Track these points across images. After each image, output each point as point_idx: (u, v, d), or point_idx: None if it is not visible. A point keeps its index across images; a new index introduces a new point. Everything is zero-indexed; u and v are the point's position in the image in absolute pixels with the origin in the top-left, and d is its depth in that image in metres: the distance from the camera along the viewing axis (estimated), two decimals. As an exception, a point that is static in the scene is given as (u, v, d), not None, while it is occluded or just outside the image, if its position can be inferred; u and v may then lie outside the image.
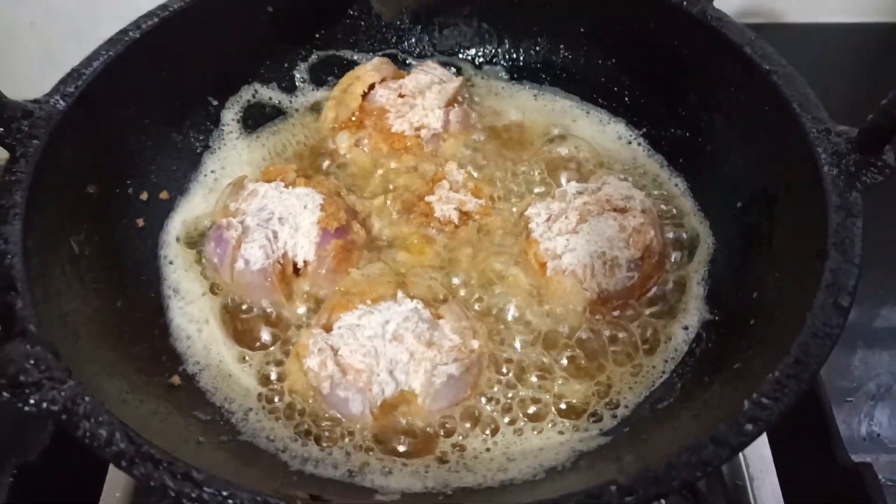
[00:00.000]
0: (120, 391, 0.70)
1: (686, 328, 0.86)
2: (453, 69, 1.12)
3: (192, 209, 0.95)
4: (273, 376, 0.82)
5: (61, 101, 0.83)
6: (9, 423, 0.92)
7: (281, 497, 0.58)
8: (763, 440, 1.01)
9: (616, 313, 0.87)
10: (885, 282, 1.19)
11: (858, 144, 0.79)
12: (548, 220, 0.89)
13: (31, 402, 0.61)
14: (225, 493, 0.57)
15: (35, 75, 0.94)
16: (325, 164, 1.01)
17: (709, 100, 0.96)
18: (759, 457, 1.00)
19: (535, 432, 0.79)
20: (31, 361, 0.63)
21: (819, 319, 0.67)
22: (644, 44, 1.01)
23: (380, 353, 0.78)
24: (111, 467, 0.90)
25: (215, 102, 1.02)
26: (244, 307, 0.87)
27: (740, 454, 1.01)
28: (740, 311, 0.81)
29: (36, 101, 0.83)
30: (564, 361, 0.84)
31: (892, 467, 1.04)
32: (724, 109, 0.94)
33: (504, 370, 0.83)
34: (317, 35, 1.09)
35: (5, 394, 0.61)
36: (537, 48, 1.11)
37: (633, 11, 0.99)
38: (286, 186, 0.91)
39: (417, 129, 1.00)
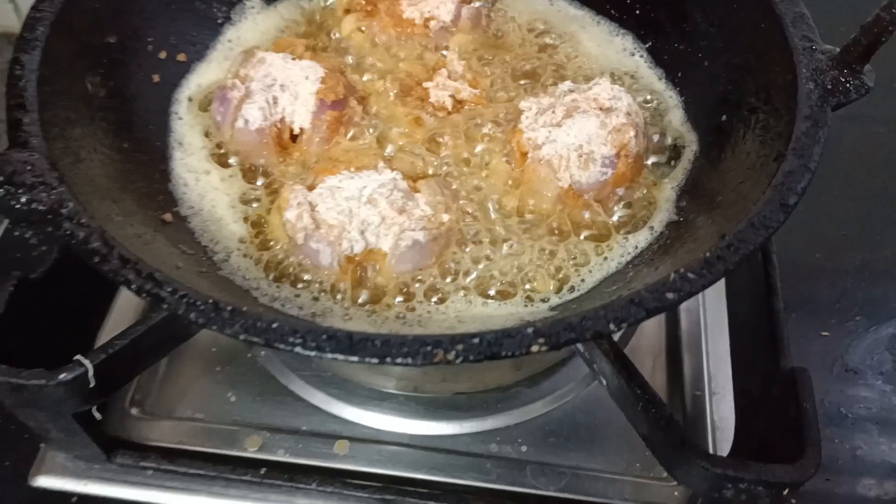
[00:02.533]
0: (110, 212, 0.76)
1: (651, 227, 0.89)
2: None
3: (207, 74, 1.01)
4: (257, 226, 0.89)
5: (92, -48, 0.90)
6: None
7: (231, 303, 0.64)
8: (726, 361, 1.06)
9: (586, 207, 0.90)
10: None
11: (839, 63, 0.81)
12: (537, 113, 0.93)
13: (22, 200, 0.69)
14: (183, 293, 0.64)
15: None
16: (334, 43, 1.05)
17: (711, 16, 0.97)
18: (723, 375, 1.05)
19: (483, 304, 0.84)
20: (28, 167, 0.70)
21: (761, 213, 0.71)
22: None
23: (353, 214, 0.83)
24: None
25: (241, -24, 1.08)
26: (240, 163, 0.94)
27: (704, 368, 1.06)
28: (704, 213, 0.85)
29: (65, -52, 0.89)
30: (525, 244, 0.88)
31: (855, 401, 1.07)
32: (725, 26, 0.96)
33: (468, 247, 0.87)
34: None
35: (0, 189, 0.69)
36: (557, -45, 1.13)
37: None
38: (294, 59, 0.96)
39: (427, 19, 1.03)
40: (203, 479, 0.94)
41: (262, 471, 0.93)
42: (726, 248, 0.69)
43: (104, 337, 1.00)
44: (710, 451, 0.97)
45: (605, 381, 0.84)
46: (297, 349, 0.62)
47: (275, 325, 0.63)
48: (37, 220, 0.69)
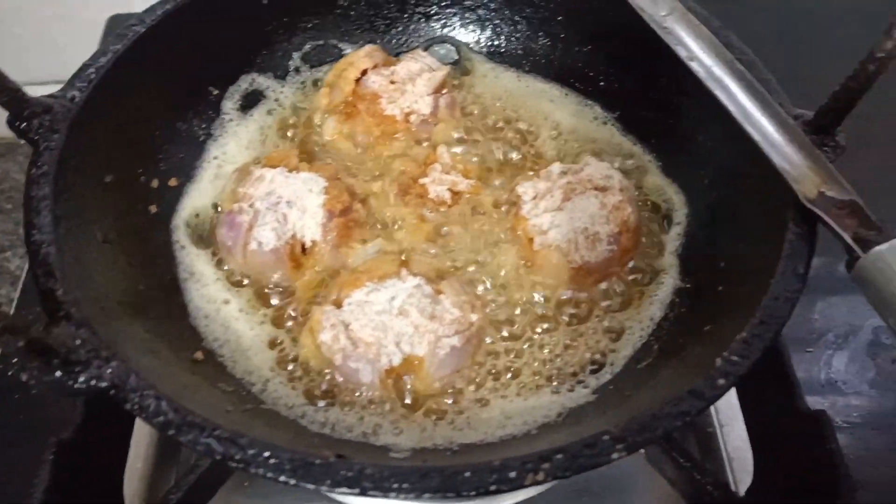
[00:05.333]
0: (154, 367, 0.76)
1: (661, 298, 0.94)
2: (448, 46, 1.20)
3: (200, 195, 1.01)
4: (288, 349, 0.89)
5: (77, 95, 0.88)
6: (43, 405, 0.98)
7: (316, 455, 0.65)
8: (731, 391, 1.11)
9: (598, 284, 0.95)
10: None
11: (813, 127, 0.88)
12: (534, 198, 0.97)
13: (81, 379, 0.67)
14: (267, 454, 0.65)
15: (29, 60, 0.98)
16: (320, 148, 1.07)
17: (678, 84, 1.03)
18: (727, 405, 1.11)
19: (525, 396, 0.87)
20: (78, 342, 0.69)
21: (780, 285, 0.76)
22: (618, 32, 1.08)
23: (387, 327, 0.85)
24: (133, 441, 0.98)
25: (216, 92, 1.07)
26: (255, 285, 0.94)
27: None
28: (710, 280, 0.90)
29: (52, 95, 0.88)
30: (551, 329, 0.92)
31: (848, 410, 1.15)
32: (693, 93, 1.01)
33: (497, 338, 0.91)
34: (309, 25, 1.14)
35: (58, 373, 0.67)
36: (517, 35, 1.17)
37: (608, 1, 1.06)
38: (290, 171, 0.97)
39: (408, 114, 1.06)
40: None
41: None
42: (759, 325, 0.74)
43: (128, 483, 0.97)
44: (730, 483, 1.03)
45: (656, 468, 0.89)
46: (403, 496, 0.63)
47: (369, 472, 0.64)
48: (93, 395, 0.68)
